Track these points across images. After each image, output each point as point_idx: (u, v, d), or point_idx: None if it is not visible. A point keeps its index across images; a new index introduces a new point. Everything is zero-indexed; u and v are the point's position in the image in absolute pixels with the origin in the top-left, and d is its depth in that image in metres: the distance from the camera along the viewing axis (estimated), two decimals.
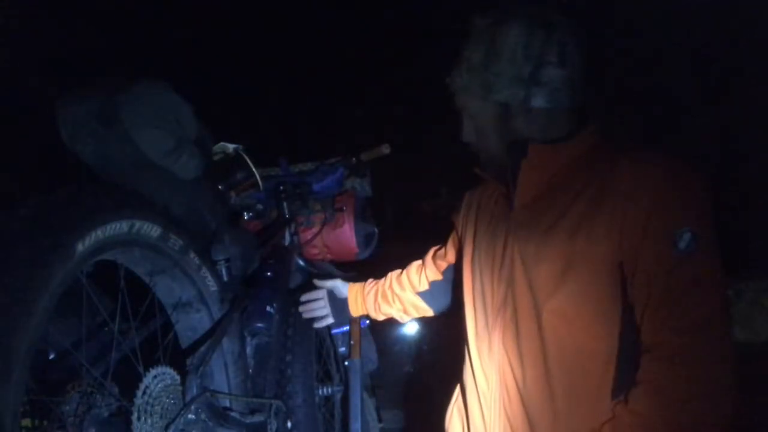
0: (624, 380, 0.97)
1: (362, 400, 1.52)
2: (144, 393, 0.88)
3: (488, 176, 1.18)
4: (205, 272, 1.15)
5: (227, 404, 1.15)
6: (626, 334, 0.99)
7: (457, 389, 1.32)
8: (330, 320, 1.53)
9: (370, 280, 1.55)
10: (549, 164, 1.08)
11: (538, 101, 1.05)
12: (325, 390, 1.52)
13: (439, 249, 1.48)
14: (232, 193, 1.55)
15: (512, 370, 1.07)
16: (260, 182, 1.58)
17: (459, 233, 1.35)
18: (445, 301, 1.47)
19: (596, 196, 1.00)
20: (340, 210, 1.74)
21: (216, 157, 1.51)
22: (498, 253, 1.13)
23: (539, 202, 1.08)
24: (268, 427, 1.19)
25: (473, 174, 1.23)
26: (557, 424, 1.02)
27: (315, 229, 1.72)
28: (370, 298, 1.51)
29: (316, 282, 1.54)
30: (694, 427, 0.90)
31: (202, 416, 1.01)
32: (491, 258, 1.14)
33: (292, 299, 1.49)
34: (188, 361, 1.10)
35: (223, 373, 1.18)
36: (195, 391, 0.99)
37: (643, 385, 0.94)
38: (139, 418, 0.86)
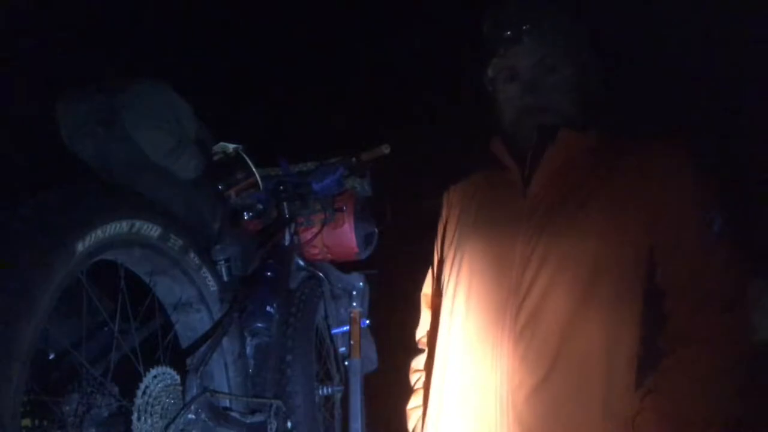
0: (644, 370, 0.97)
1: (362, 400, 1.52)
2: (144, 393, 0.88)
3: (503, 155, 1.16)
4: (205, 272, 1.15)
5: (227, 404, 1.15)
6: (647, 324, 0.98)
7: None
8: None
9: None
10: (571, 151, 1.08)
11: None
12: (325, 390, 1.52)
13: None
14: (232, 193, 1.54)
15: (532, 366, 1.01)
16: (260, 182, 1.57)
17: (444, 237, 1.33)
18: None
19: (625, 185, 1.00)
20: (340, 210, 1.74)
21: (216, 157, 1.51)
22: (510, 246, 1.09)
23: (558, 192, 1.06)
24: (268, 427, 1.18)
25: (469, 169, 1.22)
26: (590, 424, 0.97)
27: (315, 229, 1.72)
28: None
29: None
30: (731, 405, 0.91)
31: (202, 416, 1.01)
32: (501, 251, 1.11)
33: (292, 299, 1.49)
34: (188, 361, 1.10)
35: (223, 373, 1.18)
36: (195, 391, 0.99)
37: (678, 371, 0.93)
38: (139, 418, 0.86)
